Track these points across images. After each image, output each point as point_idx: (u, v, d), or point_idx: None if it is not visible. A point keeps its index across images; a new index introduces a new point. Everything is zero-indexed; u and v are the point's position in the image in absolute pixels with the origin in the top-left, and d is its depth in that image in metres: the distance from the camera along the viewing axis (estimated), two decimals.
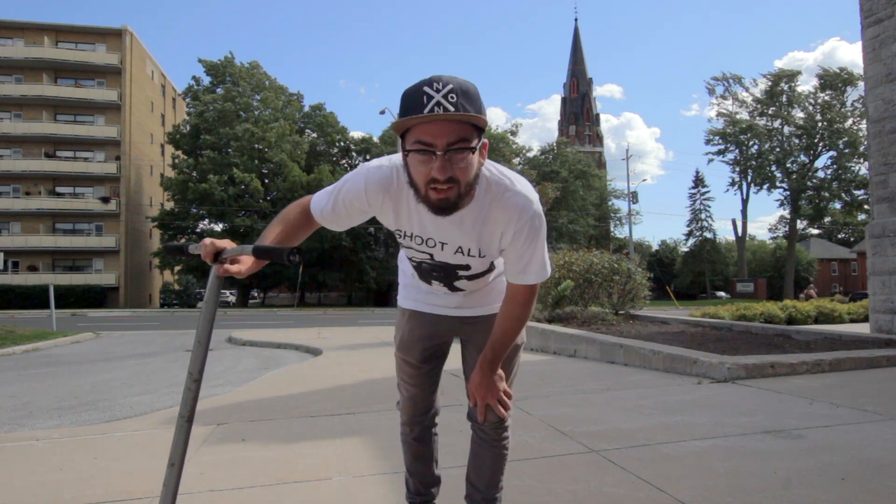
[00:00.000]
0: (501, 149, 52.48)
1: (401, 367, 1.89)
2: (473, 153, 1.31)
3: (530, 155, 57.26)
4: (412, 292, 1.84)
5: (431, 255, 1.59)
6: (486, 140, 1.37)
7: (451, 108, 1.23)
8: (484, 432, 1.84)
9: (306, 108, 49.78)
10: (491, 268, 1.68)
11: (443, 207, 1.34)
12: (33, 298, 38.01)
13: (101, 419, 4.63)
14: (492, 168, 1.46)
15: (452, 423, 3.78)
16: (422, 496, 2.02)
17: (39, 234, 43.09)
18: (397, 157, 1.47)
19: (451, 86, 1.25)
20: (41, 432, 3.98)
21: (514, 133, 57.31)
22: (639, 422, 3.63)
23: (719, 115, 52.29)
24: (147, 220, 46.89)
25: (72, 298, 39.11)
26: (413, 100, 1.26)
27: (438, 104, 1.23)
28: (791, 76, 49.09)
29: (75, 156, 44.96)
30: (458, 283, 1.69)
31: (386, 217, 1.54)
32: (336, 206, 1.54)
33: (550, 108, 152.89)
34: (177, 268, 46.09)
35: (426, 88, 1.25)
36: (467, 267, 1.61)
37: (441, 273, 1.65)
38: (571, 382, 5.25)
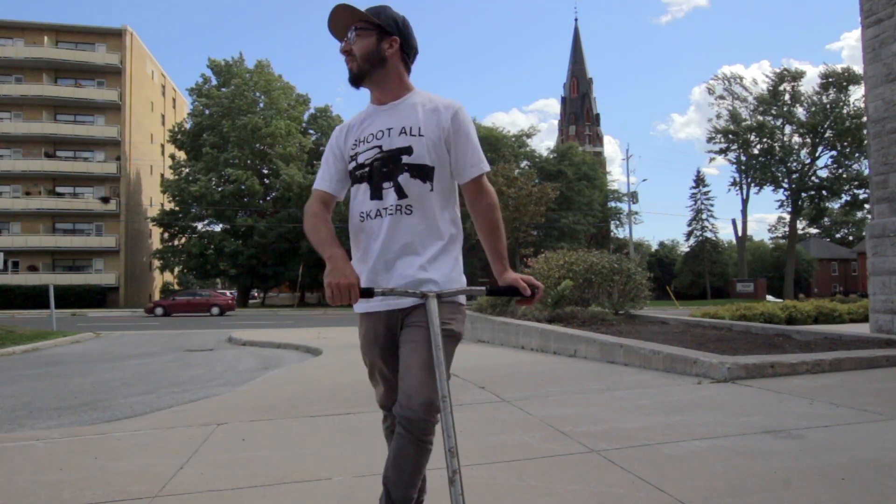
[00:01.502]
0: (517, 149, 52.42)
1: (370, 370, 1.98)
2: (359, 35, 1.82)
3: (536, 154, 57.35)
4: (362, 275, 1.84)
5: (381, 147, 1.83)
6: (395, 37, 1.85)
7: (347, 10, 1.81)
8: (413, 427, 1.69)
9: (311, 111, 49.62)
10: (429, 170, 1.81)
11: (351, 75, 1.85)
12: (33, 298, 38.00)
13: (101, 419, 4.63)
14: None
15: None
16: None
17: (39, 234, 43.08)
18: None
19: (344, 2, 1.80)
20: (41, 432, 3.98)
21: (529, 136, 57.49)
22: (639, 422, 3.63)
23: (719, 116, 52.35)
24: (147, 220, 46.85)
25: (72, 298, 39.11)
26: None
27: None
28: (795, 76, 49.01)
29: (75, 156, 44.97)
30: (402, 181, 1.79)
31: (350, 136, 1.91)
32: (329, 169, 1.91)
33: (550, 109, 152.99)
34: (177, 269, 46.10)
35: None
36: (410, 150, 1.80)
37: (389, 167, 1.81)
38: (571, 382, 5.25)
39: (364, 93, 2.01)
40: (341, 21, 1.84)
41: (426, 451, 1.73)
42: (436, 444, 1.72)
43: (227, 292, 55.60)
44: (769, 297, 43.92)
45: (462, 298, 1.87)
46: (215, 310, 31.14)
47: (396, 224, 1.78)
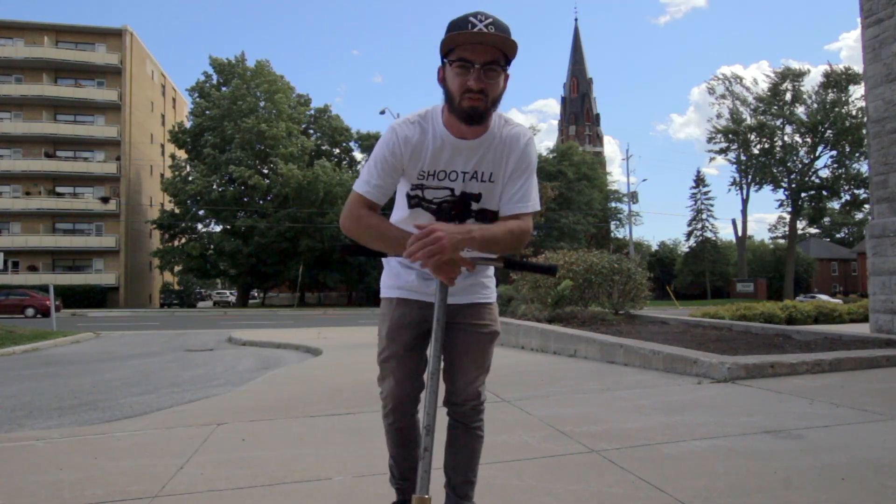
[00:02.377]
0: None
1: (387, 357, 1.91)
2: (502, 74, 1.59)
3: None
4: (402, 278, 1.90)
5: (452, 190, 1.74)
6: (508, 73, 1.64)
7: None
8: (462, 416, 1.92)
9: (311, 111, 49.71)
10: (494, 214, 1.80)
11: (472, 115, 1.59)
12: None
13: (101, 419, 4.63)
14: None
15: None
16: (408, 481, 2.01)
17: (39, 234, 43.08)
18: (424, 108, 1.75)
19: (491, 19, 1.54)
20: (41, 432, 3.98)
21: None
22: (639, 422, 3.63)
23: (719, 116, 52.36)
24: (147, 223, 46.79)
25: (72, 298, 39.10)
26: (460, 25, 1.54)
27: (480, 31, 1.52)
28: (798, 75, 48.91)
29: (75, 156, 44.98)
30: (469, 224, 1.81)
31: (415, 161, 1.71)
32: (379, 177, 1.70)
33: (549, 109, 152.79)
34: (177, 268, 46.11)
35: (471, 18, 1.54)
36: (479, 196, 1.76)
37: (458, 211, 1.77)
38: (571, 382, 5.25)
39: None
40: (480, 47, 1.53)
41: (479, 438, 1.94)
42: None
43: (228, 292, 55.74)
44: (802, 297, 43.42)
45: (494, 297, 1.97)
46: (30, 311, 29.08)
47: None
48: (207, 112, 43.12)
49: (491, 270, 1.97)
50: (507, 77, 1.64)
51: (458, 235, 1.55)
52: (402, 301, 1.89)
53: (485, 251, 1.66)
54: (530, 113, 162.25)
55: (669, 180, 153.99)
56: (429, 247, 1.51)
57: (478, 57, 1.54)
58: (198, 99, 44.70)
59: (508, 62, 1.60)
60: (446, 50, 1.58)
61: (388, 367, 1.91)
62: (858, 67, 47.60)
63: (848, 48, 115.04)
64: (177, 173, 44.19)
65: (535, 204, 1.75)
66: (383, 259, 1.94)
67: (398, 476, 2.04)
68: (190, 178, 42.16)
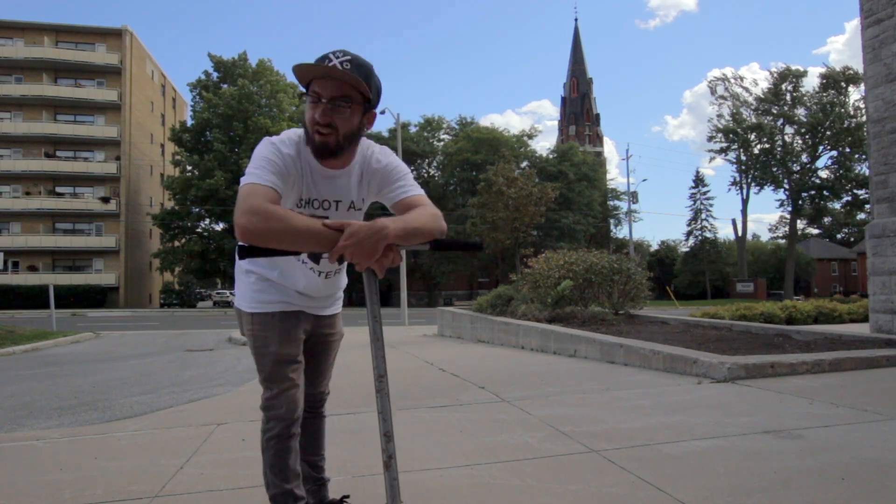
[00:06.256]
0: (517, 150, 52.40)
1: (280, 369, 1.87)
2: (351, 109, 1.59)
3: (536, 154, 57.40)
4: (281, 293, 1.89)
5: (328, 217, 1.69)
6: (374, 112, 1.69)
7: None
8: (317, 407, 2.19)
9: None
10: None
11: (322, 151, 1.61)
12: (33, 298, 38.02)
13: (101, 419, 4.63)
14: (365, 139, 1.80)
15: (452, 422, 3.79)
16: (304, 499, 1.96)
17: (39, 234, 43.10)
18: (294, 131, 1.72)
19: (349, 56, 1.57)
20: (41, 432, 3.98)
21: (530, 136, 57.54)
22: (639, 422, 3.63)
23: (720, 116, 52.38)
24: (147, 221, 46.80)
25: (72, 298, 39.11)
26: (318, 60, 1.56)
27: (333, 66, 1.54)
28: (797, 75, 48.90)
29: (75, 156, 45.00)
30: None
31: (294, 182, 1.66)
32: (277, 173, 1.57)
33: (543, 110, 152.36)
34: (177, 269, 46.08)
35: (329, 54, 1.57)
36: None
37: None
38: (571, 382, 5.25)
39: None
40: (329, 82, 1.54)
41: (325, 418, 2.27)
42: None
43: (228, 292, 55.70)
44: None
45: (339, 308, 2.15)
46: None
47: (331, 279, 1.97)
48: (213, 109, 42.94)
49: (343, 281, 2.07)
50: (371, 115, 1.68)
51: (387, 232, 1.44)
52: (286, 314, 1.89)
53: (410, 243, 1.54)
54: (524, 115, 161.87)
55: (667, 181, 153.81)
56: (365, 245, 1.41)
57: (326, 91, 1.55)
58: (199, 96, 44.57)
59: (367, 101, 1.63)
60: (304, 83, 1.60)
61: (288, 376, 1.87)
62: (850, 69, 47.68)
63: (836, 51, 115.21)
64: (183, 169, 43.90)
65: (418, 187, 1.74)
66: (247, 274, 1.92)
67: (298, 496, 1.91)
68: (198, 176, 41.74)
